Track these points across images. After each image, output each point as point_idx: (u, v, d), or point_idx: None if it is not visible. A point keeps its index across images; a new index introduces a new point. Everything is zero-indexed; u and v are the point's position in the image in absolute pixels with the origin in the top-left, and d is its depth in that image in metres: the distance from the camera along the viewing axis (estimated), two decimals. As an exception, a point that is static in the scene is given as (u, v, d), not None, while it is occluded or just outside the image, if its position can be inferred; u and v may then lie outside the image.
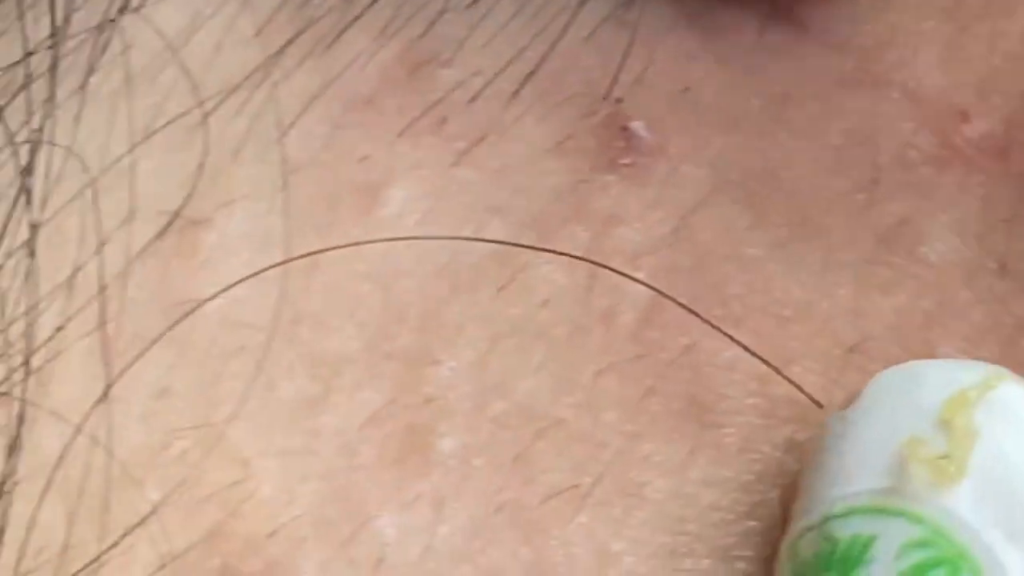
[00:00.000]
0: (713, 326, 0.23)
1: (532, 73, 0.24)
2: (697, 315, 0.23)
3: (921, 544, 0.20)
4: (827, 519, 0.20)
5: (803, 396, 0.23)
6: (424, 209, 0.24)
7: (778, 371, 0.23)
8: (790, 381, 0.23)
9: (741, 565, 0.23)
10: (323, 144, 0.24)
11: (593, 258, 0.24)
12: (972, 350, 0.23)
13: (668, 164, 0.24)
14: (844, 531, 0.20)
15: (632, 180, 0.24)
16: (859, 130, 0.24)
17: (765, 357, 0.23)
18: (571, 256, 0.23)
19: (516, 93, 0.24)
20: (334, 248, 0.23)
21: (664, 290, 0.23)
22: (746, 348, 0.23)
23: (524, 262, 0.24)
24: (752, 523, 0.23)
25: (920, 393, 0.21)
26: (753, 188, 0.24)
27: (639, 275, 0.23)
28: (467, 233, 0.24)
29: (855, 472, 0.20)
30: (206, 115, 0.23)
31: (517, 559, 0.23)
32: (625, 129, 0.24)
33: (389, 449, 0.23)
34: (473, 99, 0.24)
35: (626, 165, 0.24)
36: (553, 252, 0.23)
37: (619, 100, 0.24)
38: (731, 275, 0.23)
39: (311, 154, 0.24)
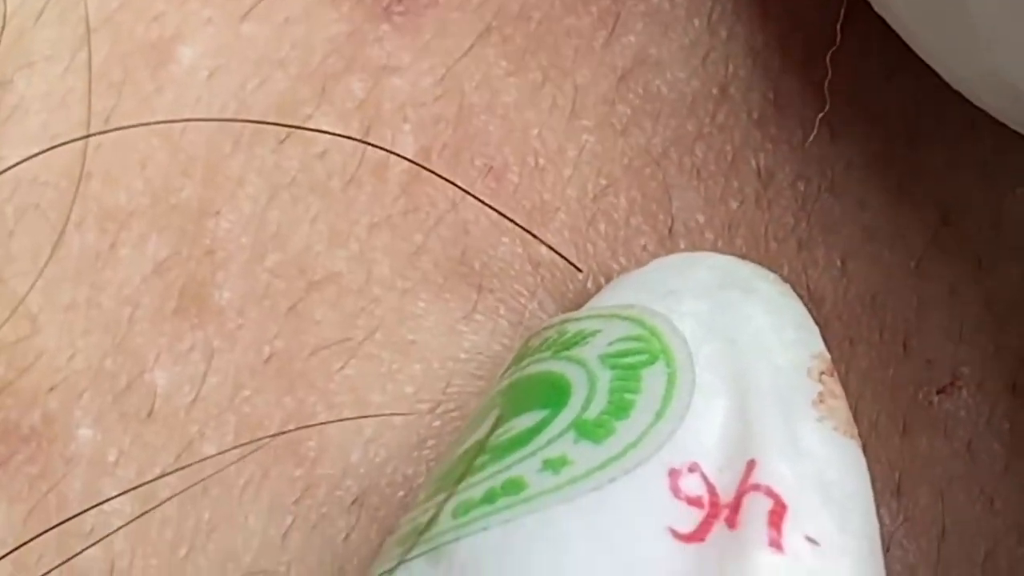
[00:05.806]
0: (475, 197, 0.23)
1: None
2: (458, 187, 0.23)
3: (635, 339, 0.20)
4: (565, 321, 0.21)
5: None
6: (212, 66, 0.24)
7: (539, 239, 0.23)
8: (553, 249, 0.23)
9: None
10: (120, 4, 0.24)
11: (367, 109, 0.23)
12: (699, 184, 0.23)
13: (438, 14, 0.24)
14: (574, 327, 0.21)
15: (404, 30, 0.24)
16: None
17: (527, 208, 0.23)
18: (336, 135, 0.23)
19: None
20: (130, 126, 0.23)
21: (428, 142, 0.23)
22: (512, 220, 0.23)
23: (305, 115, 0.24)
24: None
25: (689, 273, 0.21)
26: (509, 33, 0.24)
27: (406, 127, 0.23)
28: (251, 86, 0.24)
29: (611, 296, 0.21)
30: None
31: (280, 408, 0.23)
32: (401, -21, 0.24)
33: (169, 300, 0.23)
34: (264, -43, 0.24)
35: (399, 15, 0.24)
36: (319, 132, 0.23)
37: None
38: (491, 125, 0.23)
39: (108, 14, 0.24)
